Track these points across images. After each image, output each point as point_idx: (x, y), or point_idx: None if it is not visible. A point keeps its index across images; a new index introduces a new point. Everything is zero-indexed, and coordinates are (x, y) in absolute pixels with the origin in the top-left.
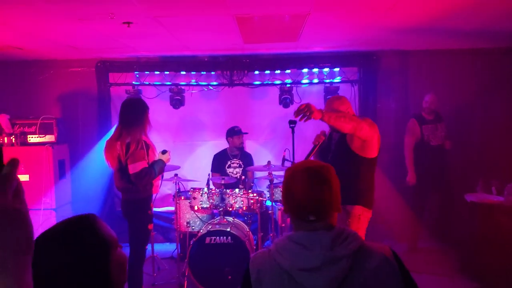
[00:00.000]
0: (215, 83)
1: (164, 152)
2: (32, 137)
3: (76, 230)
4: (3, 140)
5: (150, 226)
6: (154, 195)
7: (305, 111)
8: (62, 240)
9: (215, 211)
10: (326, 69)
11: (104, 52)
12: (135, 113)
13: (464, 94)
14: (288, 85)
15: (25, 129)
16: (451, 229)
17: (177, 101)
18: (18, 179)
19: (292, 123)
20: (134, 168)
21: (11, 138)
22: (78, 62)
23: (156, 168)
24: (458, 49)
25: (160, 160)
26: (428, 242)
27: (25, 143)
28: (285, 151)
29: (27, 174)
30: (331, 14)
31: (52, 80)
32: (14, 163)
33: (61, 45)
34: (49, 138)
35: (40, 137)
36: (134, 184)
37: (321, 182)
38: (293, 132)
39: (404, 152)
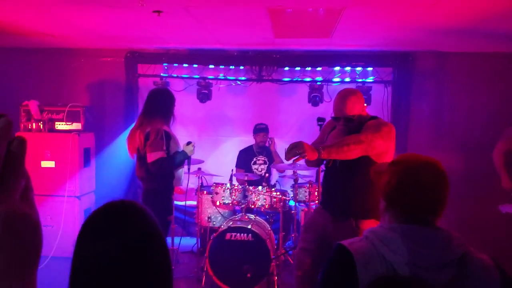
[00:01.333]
0: (243, 78)
1: (188, 143)
2: (59, 124)
3: (131, 211)
4: (32, 125)
5: (170, 218)
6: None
7: (298, 152)
8: (110, 225)
9: (237, 207)
10: (359, 68)
11: (134, 43)
12: (158, 103)
13: (504, 99)
14: (318, 83)
15: (53, 116)
16: (483, 240)
17: (204, 95)
18: (27, 175)
19: (320, 120)
20: (151, 157)
21: (39, 124)
22: (108, 52)
23: (177, 159)
24: (501, 53)
25: (182, 151)
26: None
27: (52, 130)
28: None
29: (53, 160)
30: (368, 10)
31: (82, 68)
32: (20, 151)
33: (92, 33)
34: (76, 126)
35: (67, 124)
36: (152, 174)
37: (443, 181)
38: (321, 130)
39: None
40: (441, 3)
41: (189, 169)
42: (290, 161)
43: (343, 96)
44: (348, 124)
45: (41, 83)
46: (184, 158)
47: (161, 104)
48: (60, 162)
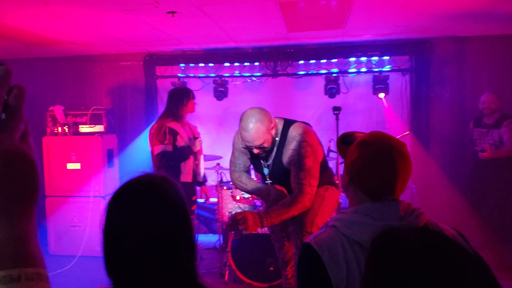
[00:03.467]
0: (258, 74)
1: (194, 138)
2: (83, 127)
3: (161, 183)
4: (57, 130)
5: None
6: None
7: (239, 228)
8: (143, 194)
9: (257, 201)
10: (375, 58)
11: (152, 46)
12: (167, 102)
13: None
14: (334, 75)
15: (77, 120)
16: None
17: (220, 92)
18: (26, 120)
19: (336, 109)
20: (153, 151)
21: (65, 128)
22: (127, 56)
23: (179, 153)
24: None
25: (187, 146)
26: (482, 241)
27: (77, 133)
28: (330, 141)
29: (78, 162)
30: None
31: (103, 73)
32: (19, 97)
33: (111, 38)
34: (98, 128)
35: (91, 127)
36: (158, 168)
37: (408, 165)
38: (337, 119)
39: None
40: None
41: (196, 164)
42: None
43: (246, 127)
44: (263, 150)
45: (65, 89)
46: (187, 153)
47: (168, 103)
48: (85, 163)
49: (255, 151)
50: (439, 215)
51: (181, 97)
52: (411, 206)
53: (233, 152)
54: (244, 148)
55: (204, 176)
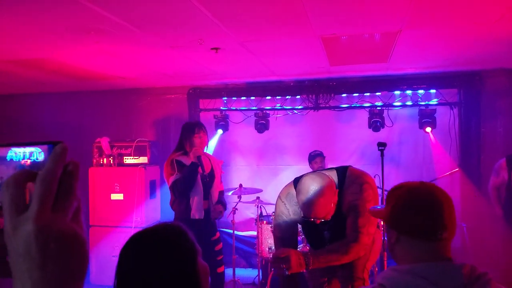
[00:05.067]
0: (300, 107)
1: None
2: (127, 159)
3: (166, 234)
4: (103, 161)
5: None
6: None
7: (282, 266)
8: (153, 242)
9: (298, 237)
10: (420, 91)
11: (195, 80)
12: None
13: None
14: (378, 108)
15: (122, 151)
16: None
17: (261, 125)
18: (78, 197)
19: (381, 145)
20: (168, 183)
21: (110, 159)
22: (172, 90)
23: (186, 172)
24: None
25: (189, 165)
26: None
27: (121, 164)
28: (374, 176)
29: (121, 193)
30: (425, 32)
31: (149, 106)
32: (73, 173)
33: (156, 73)
34: (142, 159)
35: (135, 158)
36: (172, 202)
37: (448, 198)
38: (382, 155)
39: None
40: (505, 18)
41: (204, 197)
42: None
43: (310, 202)
44: (323, 222)
45: (112, 121)
46: (192, 169)
47: (179, 137)
48: (128, 194)
49: (318, 221)
50: (493, 256)
51: (186, 132)
52: (475, 270)
53: (279, 225)
54: (305, 218)
55: (223, 202)
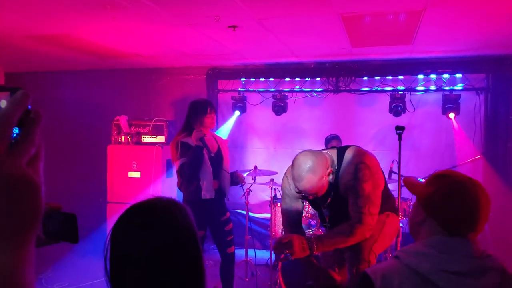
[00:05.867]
0: (319, 89)
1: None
2: (145, 137)
3: (168, 210)
4: (121, 139)
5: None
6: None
7: (285, 252)
8: (152, 219)
9: (311, 220)
10: (445, 75)
11: (214, 60)
12: (186, 114)
13: None
14: (400, 92)
15: (140, 130)
16: None
17: (279, 107)
18: (39, 144)
19: (399, 129)
20: (175, 166)
21: (128, 137)
22: (191, 70)
23: (188, 157)
24: None
25: (194, 147)
26: None
27: (139, 143)
28: (392, 162)
29: (139, 171)
30: (452, 10)
31: (168, 86)
32: (34, 121)
33: (174, 51)
34: (160, 138)
35: (152, 137)
36: (181, 184)
37: (488, 200)
38: (400, 139)
39: None
40: None
41: (221, 178)
42: None
43: (298, 176)
44: (316, 197)
45: (131, 100)
46: (197, 152)
47: (186, 115)
48: (145, 172)
49: (310, 197)
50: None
51: (196, 112)
52: (485, 251)
53: (283, 199)
54: (297, 192)
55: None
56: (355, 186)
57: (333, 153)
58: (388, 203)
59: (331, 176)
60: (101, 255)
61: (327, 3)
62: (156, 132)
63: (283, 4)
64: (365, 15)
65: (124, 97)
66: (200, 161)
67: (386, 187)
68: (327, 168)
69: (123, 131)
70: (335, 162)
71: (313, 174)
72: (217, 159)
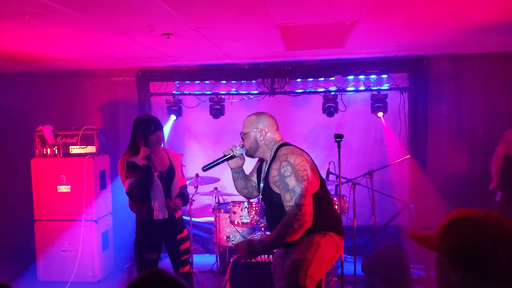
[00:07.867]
0: (255, 91)
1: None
2: (74, 148)
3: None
4: (46, 151)
5: (148, 256)
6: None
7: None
8: None
9: (256, 226)
10: (373, 76)
11: (145, 62)
12: (132, 132)
13: None
14: (332, 93)
15: (67, 140)
16: None
17: (216, 110)
18: None
19: (338, 137)
20: (124, 187)
21: (54, 149)
22: (119, 72)
23: (139, 175)
24: None
25: (140, 167)
26: None
27: (67, 154)
28: (329, 163)
29: (68, 185)
30: (381, 21)
31: (94, 89)
32: None
33: (103, 55)
34: (90, 149)
35: (82, 148)
36: (132, 204)
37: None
38: (339, 147)
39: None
40: (461, 10)
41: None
42: None
43: (250, 116)
44: (242, 143)
45: (54, 106)
46: (144, 172)
47: (131, 133)
48: (76, 186)
49: (241, 137)
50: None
51: (140, 130)
52: None
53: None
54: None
55: (184, 195)
56: (281, 181)
57: (278, 143)
58: (329, 219)
59: (260, 136)
60: (34, 279)
61: (266, 15)
62: (85, 142)
63: (221, 15)
64: (301, 25)
65: (46, 104)
66: (148, 181)
67: (322, 190)
68: (263, 129)
69: (48, 142)
70: (273, 150)
71: (255, 118)
72: (168, 176)
